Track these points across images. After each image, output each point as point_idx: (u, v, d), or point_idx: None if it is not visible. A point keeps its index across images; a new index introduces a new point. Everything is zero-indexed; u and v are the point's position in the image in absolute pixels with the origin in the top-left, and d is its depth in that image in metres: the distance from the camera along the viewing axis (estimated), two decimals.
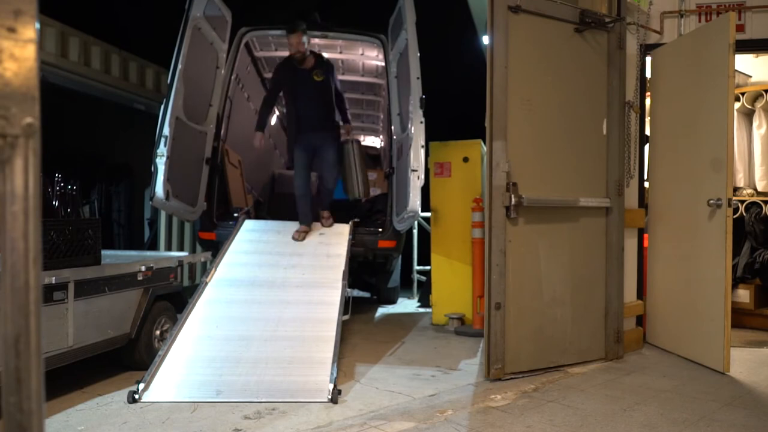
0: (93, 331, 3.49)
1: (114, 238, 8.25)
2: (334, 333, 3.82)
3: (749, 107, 5.58)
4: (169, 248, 7.39)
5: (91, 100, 6.87)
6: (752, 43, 4.67)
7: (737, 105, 5.42)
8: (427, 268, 6.37)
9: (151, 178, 4.91)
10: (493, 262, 3.76)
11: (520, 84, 3.88)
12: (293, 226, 5.51)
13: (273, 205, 7.18)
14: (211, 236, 5.69)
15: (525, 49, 3.91)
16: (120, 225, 8.47)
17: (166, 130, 4.90)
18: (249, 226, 5.39)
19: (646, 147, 4.89)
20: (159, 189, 4.83)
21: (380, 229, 5.80)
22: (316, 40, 6.84)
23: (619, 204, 4.31)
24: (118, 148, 8.44)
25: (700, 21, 4.73)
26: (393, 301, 7.21)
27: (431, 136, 5.25)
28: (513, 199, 3.78)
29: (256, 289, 4.38)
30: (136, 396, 3.24)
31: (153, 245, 7.76)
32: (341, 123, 5.78)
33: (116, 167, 8.47)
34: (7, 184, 0.71)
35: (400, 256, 6.72)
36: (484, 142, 4.47)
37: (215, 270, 4.55)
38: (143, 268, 3.93)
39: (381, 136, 8.84)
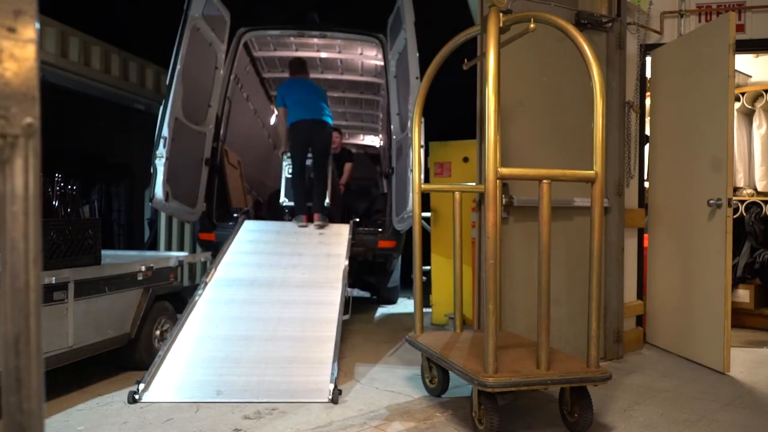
0: (93, 331, 3.49)
1: (114, 238, 8.24)
2: (334, 333, 3.82)
3: (749, 107, 5.58)
4: (169, 248, 7.39)
5: (91, 100, 6.86)
6: (752, 43, 4.67)
7: (737, 105, 5.42)
8: (428, 268, 6.37)
9: (150, 178, 4.91)
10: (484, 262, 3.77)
11: (512, 86, 3.87)
12: (293, 226, 5.52)
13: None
14: (211, 237, 5.68)
15: (518, 51, 3.90)
16: (120, 225, 8.46)
17: (165, 131, 4.89)
18: (249, 226, 5.39)
19: (646, 147, 4.89)
20: (158, 190, 4.82)
21: (380, 229, 5.81)
22: (315, 40, 6.83)
23: (619, 204, 4.31)
24: (118, 148, 8.43)
25: (700, 21, 4.73)
26: (393, 301, 7.21)
27: (431, 136, 5.24)
28: (503, 200, 3.80)
29: (256, 289, 4.38)
30: (136, 396, 3.23)
31: (153, 245, 7.75)
32: None
33: (116, 167, 8.46)
34: (7, 184, 0.71)
35: (401, 256, 6.72)
36: None
37: (215, 270, 4.55)
38: (143, 268, 3.93)
39: (380, 136, 8.84)
